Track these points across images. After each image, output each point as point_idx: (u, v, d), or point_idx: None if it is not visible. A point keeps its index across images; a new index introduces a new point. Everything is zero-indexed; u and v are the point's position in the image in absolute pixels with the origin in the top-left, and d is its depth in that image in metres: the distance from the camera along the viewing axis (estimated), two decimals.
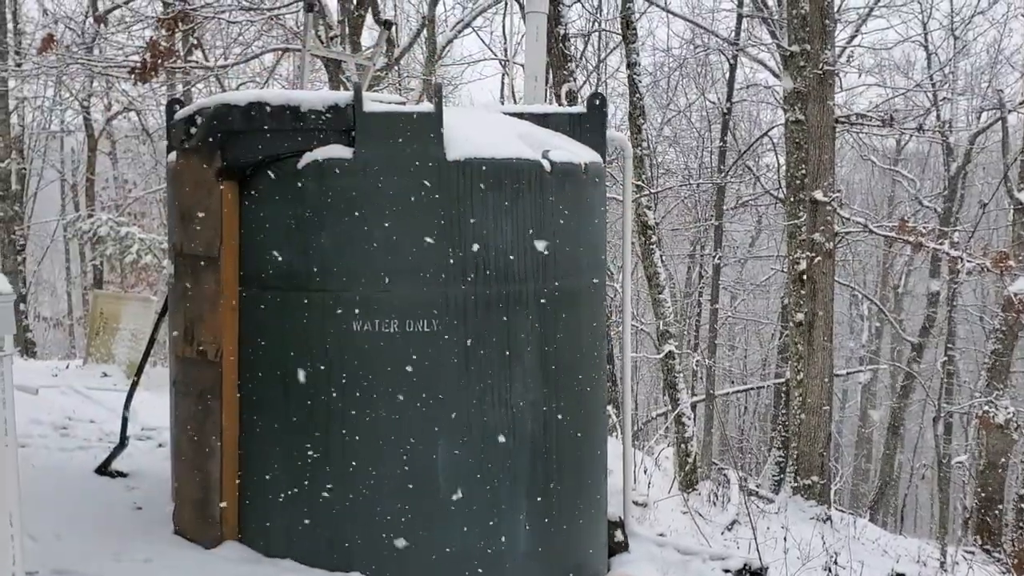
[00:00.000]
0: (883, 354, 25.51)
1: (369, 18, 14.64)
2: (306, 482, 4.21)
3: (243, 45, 16.46)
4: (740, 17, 18.29)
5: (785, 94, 12.90)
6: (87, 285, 21.25)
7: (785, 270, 15.59)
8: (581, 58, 16.34)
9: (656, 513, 7.36)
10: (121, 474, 5.55)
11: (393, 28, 15.80)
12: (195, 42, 14.86)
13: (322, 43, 12.60)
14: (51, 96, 22.55)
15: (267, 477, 4.28)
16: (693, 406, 13.78)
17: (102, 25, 14.88)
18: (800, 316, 11.09)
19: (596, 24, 18.07)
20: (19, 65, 18.50)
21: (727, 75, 19.11)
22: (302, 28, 12.81)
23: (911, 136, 20.07)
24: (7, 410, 2.78)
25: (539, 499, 4.43)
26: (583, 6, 16.63)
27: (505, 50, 19.90)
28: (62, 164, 25.81)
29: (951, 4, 32.94)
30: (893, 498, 22.03)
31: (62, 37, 16.76)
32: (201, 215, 4.28)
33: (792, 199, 12.48)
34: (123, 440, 5.56)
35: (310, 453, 4.19)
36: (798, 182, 12.01)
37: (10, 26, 19.38)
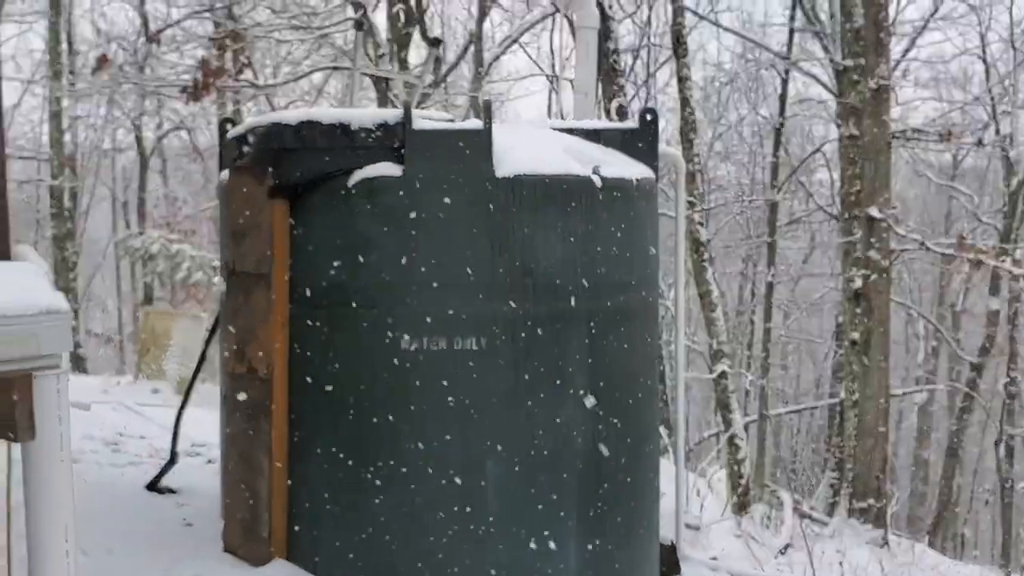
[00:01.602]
0: (940, 374, 24.96)
1: (416, 35, 14.76)
2: (353, 500, 4.17)
3: (292, 64, 16.68)
4: (792, 31, 18.12)
5: (839, 109, 12.70)
6: (137, 301, 21.65)
7: (839, 288, 15.32)
8: (630, 73, 16.26)
9: (709, 536, 7.21)
10: (171, 490, 5.56)
11: (440, 46, 15.90)
12: (245, 61, 15.08)
13: (371, 61, 12.71)
14: (103, 115, 23.05)
15: (315, 495, 4.25)
16: (745, 427, 13.56)
17: (154, 45, 15.17)
18: (855, 335, 10.87)
19: (645, 39, 18.00)
20: (73, 85, 18.94)
21: (779, 89, 18.93)
22: (351, 46, 12.93)
23: (968, 151, 19.67)
24: (63, 426, 2.79)
25: (589, 520, 4.35)
26: (633, 22, 16.59)
27: (552, 66, 19.93)
28: (114, 182, 26.37)
29: (1011, 15, 32.23)
30: (952, 523, 21.47)
31: (115, 57, 17.14)
32: (252, 233, 4.28)
33: (847, 216, 12.25)
34: (173, 456, 5.57)
35: (357, 471, 4.15)
36: (852, 198, 11.79)
37: (64, 47, 19.85)
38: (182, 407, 5.56)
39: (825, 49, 16.14)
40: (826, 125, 21.89)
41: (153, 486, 5.58)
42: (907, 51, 17.98)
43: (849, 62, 11.50)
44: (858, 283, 10.77)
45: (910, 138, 12.89)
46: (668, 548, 5.27)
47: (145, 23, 18.73)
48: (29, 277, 2.85)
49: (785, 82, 18.53)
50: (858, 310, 10.84)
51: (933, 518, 20.74)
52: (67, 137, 21.07)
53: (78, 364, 18.52)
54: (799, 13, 17.44)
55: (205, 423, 6.69)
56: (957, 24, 21.68)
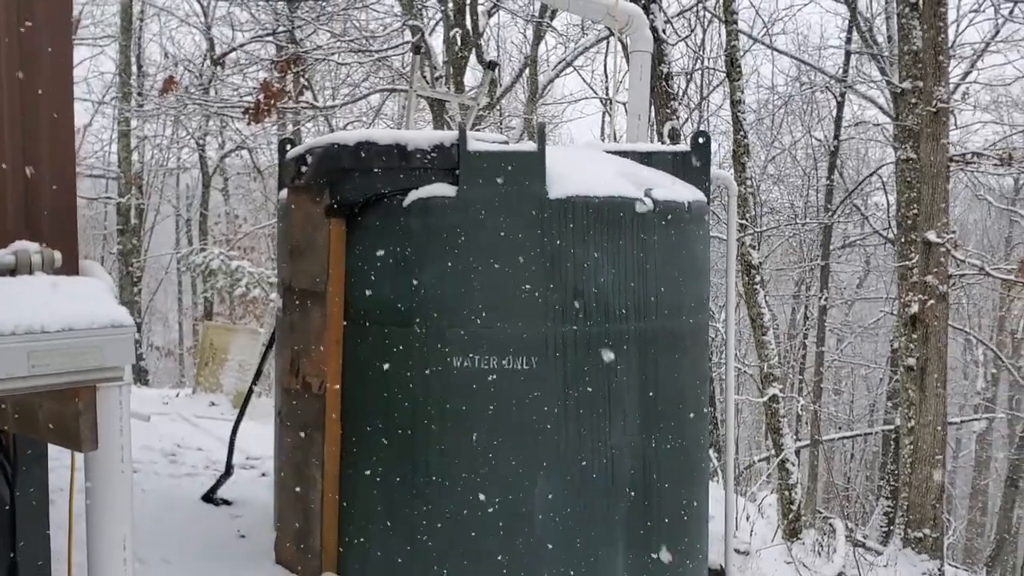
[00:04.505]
0: (1000, 402, 24.35)
1: (472, 58, 14.92)
2: (402, 516, 4.21)
3: (351, 86, 16.95)
4: (848, 54, 17.98)
5: (896, 131, 12.56)
6: (197, 316, 22.02)
7: (895, 313, 15.08)
8: (683, 96, 16.24)
9: (759, 562, 7.12)
10: (226, 502, 5.66)
11: (497, 69, 16.03)
12: (305, 83, 15.37)
13: (428, 83, 12.87)
14: (169, 135, 23.63)
15: (365, 510, 4.30)
16: (797, 452, 13.36)
17: (219, 67, 15.52)
18: (911, 361, 10.67)
19: (699, 62, 17.97)
20: (141, 106, 19.46)
21: (834, 112, 18.75)
22: (408, 69, 13.12)
23: None
24: (124, 437, 2.86)
25: (637, 542, 4.34)
26: (687, 45, 16.57)
27: (606, 88, 19.98)
28: (177, 200, 26.92)
29: None
30: (1011, 555, 20.89)
31: (181, 79, 17.60)
32: (310, 251, 4.38)
33: (903, 240, 12.06)
34: (228, 469, 5.68)
35: (407, 487, 4.19)
36: (909, 222, 11.61)
37: (134, 69, 20.44)
38: (238, 421, 5.66)
39: (882, 71, 16.01)
40: (882, 148, 21.63)
41: (209, 497, 5.69)
42: (967, 74, 17.66)
43: (907, 84, 11.36)
44: (915, 308, 10.58)
45: (969, 162, 12.65)
46: (717, 572, 5.24)
47: (211, 47, 19.17)
48: (94, 292, 2.92)
49: (840, 104, 18.38)
50: (915, 335, 10.65)
51: (991, 549, 20.21)
52: (134, 156, 21.66)
53: (140, 376, 18.90)
54: (855, 36, 17.31)
55: (259, 436, 6.79)
56: (1019, 46, 21.35)
